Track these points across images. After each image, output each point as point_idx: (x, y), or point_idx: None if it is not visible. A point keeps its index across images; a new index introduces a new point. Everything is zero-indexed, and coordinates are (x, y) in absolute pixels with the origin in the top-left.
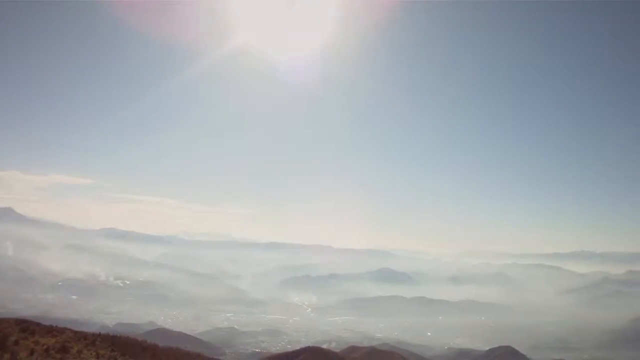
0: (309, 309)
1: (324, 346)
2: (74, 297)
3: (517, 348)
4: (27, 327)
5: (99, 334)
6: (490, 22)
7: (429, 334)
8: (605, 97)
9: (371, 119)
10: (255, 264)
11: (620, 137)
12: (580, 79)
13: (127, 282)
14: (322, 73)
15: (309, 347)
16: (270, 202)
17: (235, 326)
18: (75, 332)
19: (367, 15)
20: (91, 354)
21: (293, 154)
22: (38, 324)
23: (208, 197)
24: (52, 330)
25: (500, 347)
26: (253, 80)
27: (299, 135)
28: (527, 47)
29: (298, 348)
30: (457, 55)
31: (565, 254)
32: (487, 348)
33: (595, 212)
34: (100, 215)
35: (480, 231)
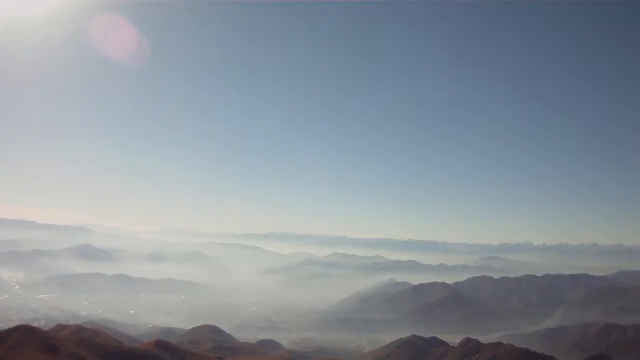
0: (17, 286)
1: (34, 324)
2: None
3: (220, 327)
4: None
5: None
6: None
7: (131, 312)
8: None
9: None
10: None
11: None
12: None
13: None
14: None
15: (21, 326)
16: None
17: None
18: None
19: None
20: None
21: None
22: None
23: None
24: None
25: (203, 326)
26: None
27: (24, 102)
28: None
29: (10, 327)
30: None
31: (262, 235)
32: (190, 327)
33: (291, 195)
34: None
35: (176, 209)
